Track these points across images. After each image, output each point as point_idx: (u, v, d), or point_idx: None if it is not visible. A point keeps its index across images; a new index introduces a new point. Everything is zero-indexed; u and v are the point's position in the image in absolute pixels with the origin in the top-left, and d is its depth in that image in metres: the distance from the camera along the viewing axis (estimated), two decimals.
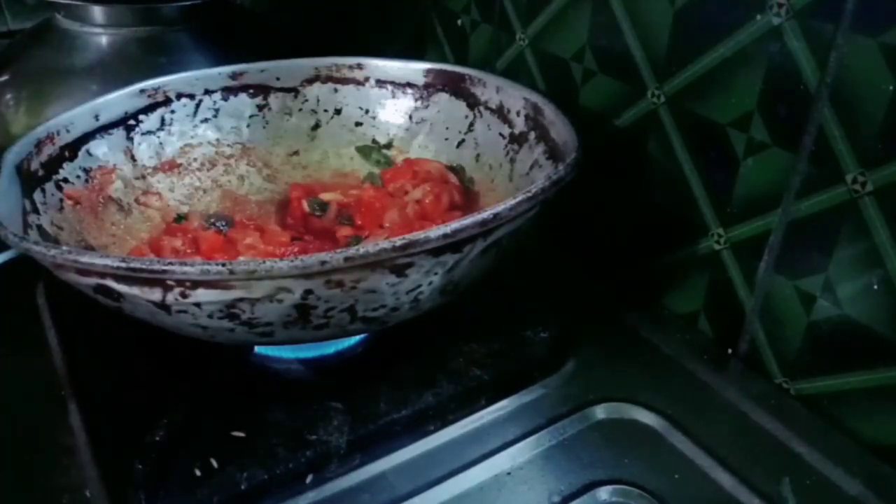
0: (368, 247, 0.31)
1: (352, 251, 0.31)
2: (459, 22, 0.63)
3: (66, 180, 0.45)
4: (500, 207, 0.34)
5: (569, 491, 0.36)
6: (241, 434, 0.39)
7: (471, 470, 0.37)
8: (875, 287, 0.37)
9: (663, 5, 0.44)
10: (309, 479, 0.37)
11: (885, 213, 0.35)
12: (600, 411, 0.41)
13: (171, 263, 0.31)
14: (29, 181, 0.42)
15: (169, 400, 0.41)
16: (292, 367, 0.43)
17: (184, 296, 0.32)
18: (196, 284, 0.32)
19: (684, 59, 0.43)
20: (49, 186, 0.44)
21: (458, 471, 0.37)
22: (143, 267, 0.31)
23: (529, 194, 0.35)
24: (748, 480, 0.36)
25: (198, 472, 0.36)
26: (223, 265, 0.30)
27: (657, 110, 0.46)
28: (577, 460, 0.38)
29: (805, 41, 0.37)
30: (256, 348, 0.44)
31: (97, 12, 0.63)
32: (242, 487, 0.36)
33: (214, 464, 0.37)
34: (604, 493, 0.36)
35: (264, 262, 0.30)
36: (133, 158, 0.51)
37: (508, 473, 0.37)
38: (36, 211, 0.42)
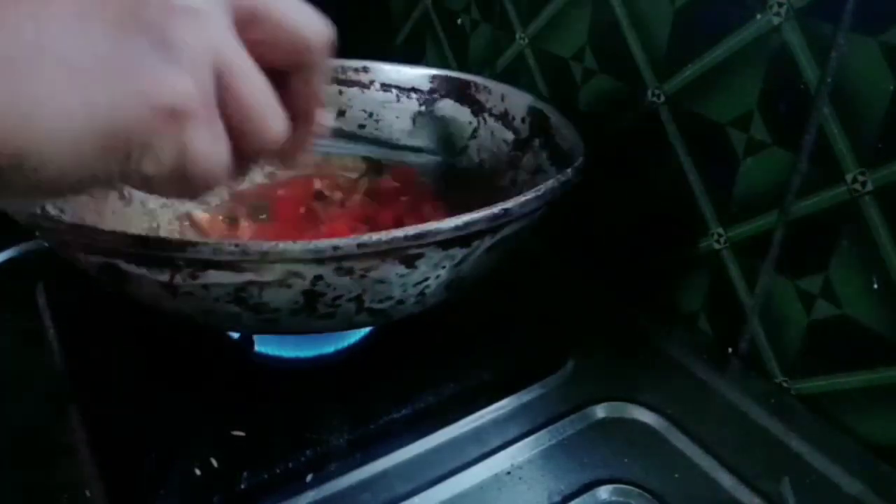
0: (381, 235, 0.31)
1: (365, 238, 0.31)
2: (459, 21, 0.63)
3: None
4: (510, 203, 0.34)
5: (569, 490, 0.36)
6: (241, 434, 0.39)
7: (471, 469, 0.37)
8: (875, 287, 0.37)
9: (663, 4, 0.44)
10: (309, 478, 0.37)
11: (885, 212, 0.35)
12: (600, 411, 0.41)
13: (183, 242, 0.31)
14: None
15: (169, 399, 0.41)
16: (292, 367, 0.43)
17: (193, 277, 0.32)
18: (207, 265, 0.31)
19: (684, 59, 0.43)
20: None
21: (458, 470, 0.37)
22: (156, 243, 0.31)
23: (539, 193, 0.36)
24: (748, 480, 0.36)
25: (198, 472, 0.36)
26: (236, 245, 0.30)
27: (657, 110, 0.46)
28: (577, 460, 0.38)
29: (805, 40, 0.37)
30: (257, 346, 0.44)
31: None
32: (242, 487, 0.36)
33: (214, 463, 0.37)
34: (604, 492, 0.36)
35: (277, 244, 0.30)
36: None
37: (508, 473, 0.37)
38: None
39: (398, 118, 0.57)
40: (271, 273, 0.32)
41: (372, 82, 0.57)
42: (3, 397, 0.42)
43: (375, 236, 0.31)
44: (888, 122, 0.34)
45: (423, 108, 0.56)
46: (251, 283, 0.32)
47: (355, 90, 0.58)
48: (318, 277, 0.33)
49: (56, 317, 0.47)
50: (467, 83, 0.55)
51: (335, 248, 0.31)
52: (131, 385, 0.42)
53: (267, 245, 0.30)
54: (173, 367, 0.43)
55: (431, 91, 0.56)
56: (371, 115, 0.58)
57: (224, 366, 0.43)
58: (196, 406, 0.41)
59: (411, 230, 0.32)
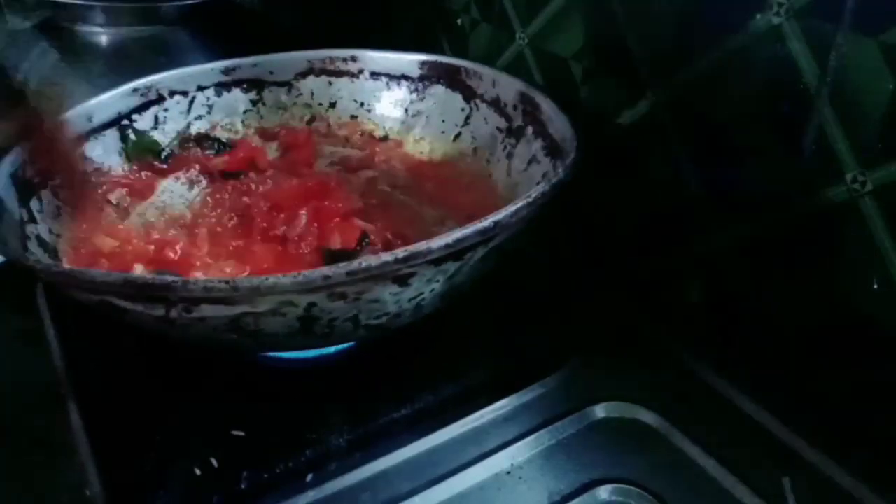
0: (371, 260, 0.31)
1: (354, 266, 0.31)
2: (459, 21, 0.63)
3: (62, 186, 0.45)
4: (500, 215, 0.34)
5: (568, 490, 0.36)
6: (241, 433, 0.39)
7: (470, 469, 0.37)
8: (875, 287, 0.37)
9: (663, 5, 0.44)
10: (309, 477, 0.37)
11: (884, 212, 0.35)
12: (600, 410, 0.41)
13: (174, 281, 0.31)
14: (25, 189, 0.42)
15: (169, 399, 0.41)
16: (292, 367, 0.43)
17: (188, 311, 0.32)
18: (199, 301, 0.32)
19: (684, 58, 0.43)
20: (45, 193, 0.44)
21: (458, 470, 0.37)
22: (147, 284, 0.31)
23: (530, 199, 0.35)
24: (748, 480, 0.36)
25: (198, 472, 0.36)
26: (226, 282, 0.30)
27: (657, 109, 0.46)
28: (577, 459, 0.38)
29: (805, 41, 0.37)
30: None
31: (97, 12, 0.63)
32: (242, 487, 0.36)
33: (214, 463, 0.37)
34: (603, 492, 0.36)
35: (267, 278, 0.30)
36: (128, 159, 0.51)
37: (508, 472, 0.37)
38: (33, 220, 0.42)
39: (390, 107, 0.57)
40: (264, 304, 0.32)
41: (361, 71, 0.57)
42: (3, 397, 0.42)
43: (365, 263, 0.31)
44: (888, 122, 0.34)
45: (414, 95, 0.56)
46: (246, 313, 0.32)
47: (345, 80, 0.57)
48: (312, 304, 0.32)
49: (56, 317, 0.47)
50: (457, 68, 0.54)
51: (325, 277, 0.31)
52: (131, 385, 0.42)
53: (257, 280, 0.30)
54: (173, 366, 0.43)
55: (422, 78, 0.56)
56: (362, 104, 0.58)
57: (224, 366, 0.43)
58: (196, 406, 0.41)
59: (401, 253, 0.31)
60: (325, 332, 0.35)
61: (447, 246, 0.32)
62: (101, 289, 0.32)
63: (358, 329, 0.36)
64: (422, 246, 0.32)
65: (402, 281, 0.33)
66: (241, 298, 0.31)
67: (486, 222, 0.33)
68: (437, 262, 0.33)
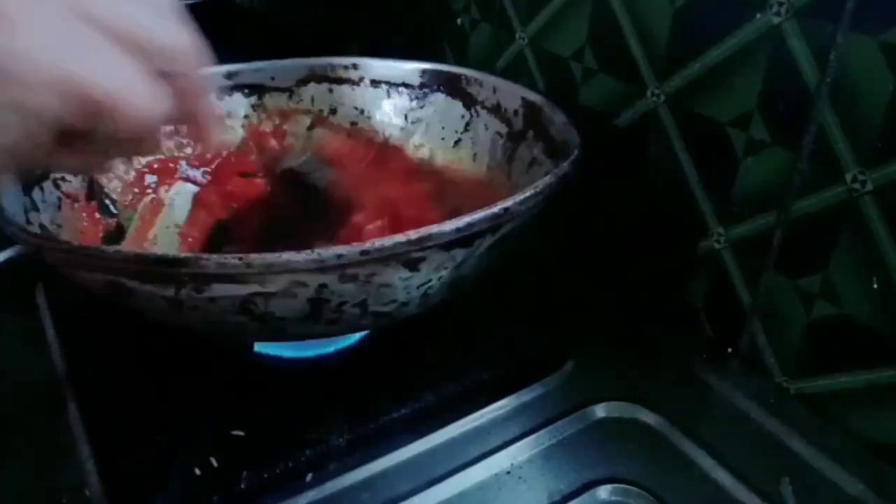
0: (384, 241, 0.32)
1: (367, 245, 0.31)
2: (459, 21, 0.63)
3: (63, 179, 0.45)
4: (509, 202, 0.34)
5: (568, 490, 0.36)
6: (241, 433, 0.39)
7: (470, 469, 0.37)
8: (875, 287, 0.37)
9: (663, 4, 0.44)
10: (309, 477, 0.37)
11: (884, 212, 0.35)
12: (600, 410, 0.41)
13: (187, 257, 0.31)
14: (28, 179, 0.42)
15: (169, 400, 0.41)
16: (292, 367, 0.44)
17: (198, 291, 0.32)
18: (211, 279, 0.32)
19: (684, 58, 0.43)
20: (47, 185, 0.44)
21: (458, 470, 0.37)
22: (159, 259, 0.31)
23: (537, 189, 0.36)
24: (748, 480, 0.36)
25: (198, 472, 0.36)
26: (240, 259, 0.30)
27: (657, 109, 0.46)
28: (577, 459, 0.38)
29: (805, 40, 0.37)
30: (256, 346, 0.44)
31: None
32: (242, 486, 0.36)
33: (214, 463, 0.37)
34: (603, 492, 0.36)
35: (280, 255, 0.30)
36: (129, 158, 0.51)
37: (508, 472, 0.37)
38: (36, 209, 0.42)
39: (390, 114, 0.57)
40: (276, 283, 0.32)
41: (362, 79, 0.57)
42: (3, 397, 0.42)
43: (378, 243, 0.31)
44: (888, 122, 0.34)
45: (414, 103, 0.56)
46: (256, 294, 0.32)
47: (345, 87, 0.58)
48: (323, 286, 0.33)
49: (56, 317, 0.47)
50: (458, 76, 0.55)
51: (339, 256, 0.31)
52: (131, 385, 0.42)
53: (271, 257, 0.31)
54: (173, 366, 0.43)
55: (422, 85, 0.56)
56: (362, 111, 0.58)
57: (224, 366, 0.43)
58: (196, 406, 0.41)
59: (413, 234, 0.32)
60: (333, 317, 0.35)
61: (458, 230, 0.33)
62: (111, 266, 0.32)
63: (365, 316, 0.36)
64: (433, 228, 0.32)
65: (413, 265, 0.34)
66: (254, 276, 0.31)
67: (497, 208, 0.34)
68: (446, 246, 0.34)
